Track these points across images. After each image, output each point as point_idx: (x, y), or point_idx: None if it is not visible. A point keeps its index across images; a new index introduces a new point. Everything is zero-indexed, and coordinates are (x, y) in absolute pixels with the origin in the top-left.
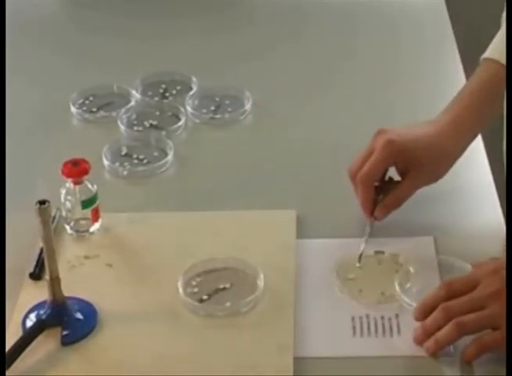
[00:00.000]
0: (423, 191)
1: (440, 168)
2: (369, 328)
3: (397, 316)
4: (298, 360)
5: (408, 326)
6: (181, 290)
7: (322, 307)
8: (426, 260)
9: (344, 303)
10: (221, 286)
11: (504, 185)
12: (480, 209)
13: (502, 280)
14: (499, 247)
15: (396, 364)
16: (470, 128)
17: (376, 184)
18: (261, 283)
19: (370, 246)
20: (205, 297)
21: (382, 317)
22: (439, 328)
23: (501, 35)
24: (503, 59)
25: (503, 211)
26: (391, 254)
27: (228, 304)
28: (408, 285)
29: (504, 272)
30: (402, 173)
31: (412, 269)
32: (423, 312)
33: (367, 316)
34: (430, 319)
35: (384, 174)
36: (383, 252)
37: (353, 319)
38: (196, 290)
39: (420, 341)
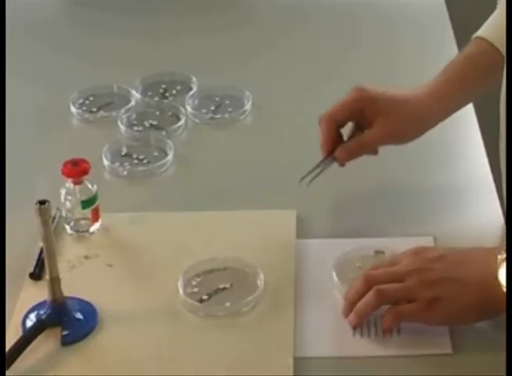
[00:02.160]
0: (424, 192)
1: (410, 129)
2: (369, 328)
3: None
4: (298, 360)
5: (408, 326)
6: (181, 290)
7: (322, 307)
8: None
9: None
10: (221, 286)
11: (504, 185)
12: (480, 209)
13: (422, 260)
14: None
15: (396, 364)
16: (450, 100)
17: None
18: (261, 283)
19: (370, 246)
20: (205, 297)
21: (382, 317)
22: (361, 298)
23: (495, 16)
24: (493, 38)
25: (503, 211)
26: (391, 254)
27: (228, 304)
28: None
29: (425, 254)
30: (370, 123)
31: None
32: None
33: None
34: (352, 290)
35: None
36: (383, 252)
37: None
38: (196, 290)
39: (345, 313)
